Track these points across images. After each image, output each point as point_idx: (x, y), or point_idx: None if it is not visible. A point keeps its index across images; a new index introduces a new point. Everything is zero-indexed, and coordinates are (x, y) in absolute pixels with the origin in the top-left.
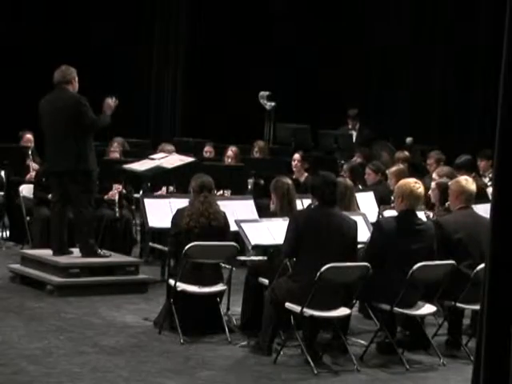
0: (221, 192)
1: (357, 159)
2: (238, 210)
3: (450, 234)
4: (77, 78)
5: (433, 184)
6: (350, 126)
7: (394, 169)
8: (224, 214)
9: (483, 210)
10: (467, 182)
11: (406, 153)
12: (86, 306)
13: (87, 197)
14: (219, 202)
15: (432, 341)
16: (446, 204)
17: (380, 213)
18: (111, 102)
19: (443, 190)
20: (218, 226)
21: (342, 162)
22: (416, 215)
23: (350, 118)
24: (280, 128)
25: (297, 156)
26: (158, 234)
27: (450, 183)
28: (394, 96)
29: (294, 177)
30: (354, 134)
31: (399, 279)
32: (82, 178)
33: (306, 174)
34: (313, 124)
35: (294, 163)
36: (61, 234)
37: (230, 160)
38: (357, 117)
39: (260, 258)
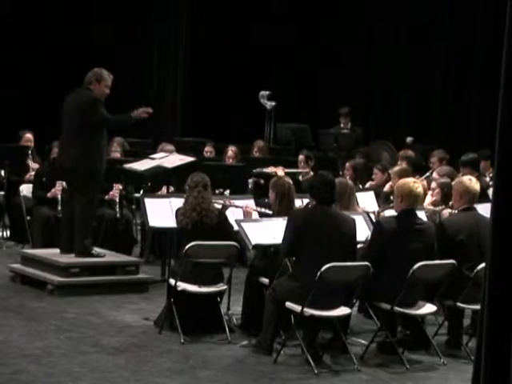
0: (221, 191)
1: (359, 160)
2: (238, 210)
3: (452, 235)
4: (103, 82)
5: (433, 184)
6: (341, 125)
7: (396, 168)
8: (218, 212)
9: (483, 209)
10: (471, 181)
11: (410, 152)
12: (87, 305)
13: (88, 197)
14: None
15: (432, 340)
16: (450, 203)
17: (380, 212)
18: (141, 110)
19: (445, 189)
20: (209, 225)
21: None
22: (416, 215)
23: (341, 117)
24: (280, 128)
25: (301, 157)
26: (159, 233)
27: (453, 183)
28: (395, 96)
29: (301, 178)
30: (346, 132)
31: (399, 279)
32: (85, 178)
33: (312, 173)
34: (313, 124)
35: (300, 165)
36: (70, 233)
37: (230, 160)
38: (348, 115)
39: None
